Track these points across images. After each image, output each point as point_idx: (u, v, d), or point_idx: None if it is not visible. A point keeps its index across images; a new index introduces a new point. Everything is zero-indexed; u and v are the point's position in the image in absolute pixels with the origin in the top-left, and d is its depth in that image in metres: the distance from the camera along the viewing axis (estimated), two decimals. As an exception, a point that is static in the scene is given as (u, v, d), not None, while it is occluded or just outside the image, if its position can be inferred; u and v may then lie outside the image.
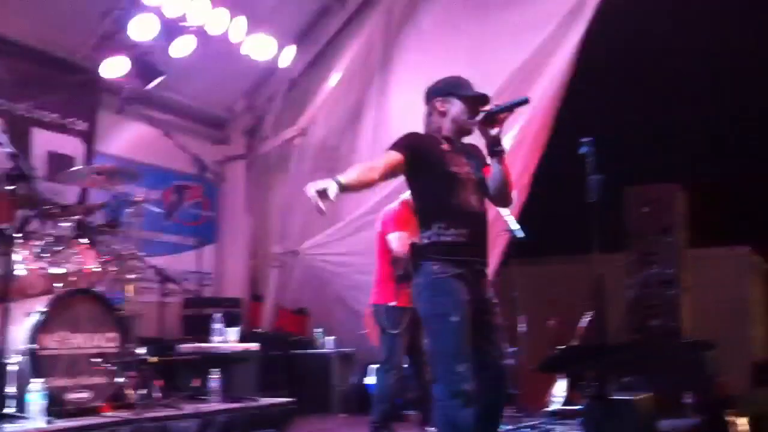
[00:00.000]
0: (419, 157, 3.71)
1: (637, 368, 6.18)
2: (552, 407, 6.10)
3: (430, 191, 3.73)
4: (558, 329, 6.96)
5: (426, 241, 3.63)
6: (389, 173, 3.68)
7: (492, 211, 6.67)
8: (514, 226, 6.00)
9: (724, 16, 7.57)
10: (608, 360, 5.63)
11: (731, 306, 8.76)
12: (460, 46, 8.16)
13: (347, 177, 3.52)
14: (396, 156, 3.69)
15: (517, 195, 6.32)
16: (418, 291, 3.63)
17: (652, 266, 6.81)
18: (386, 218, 5.67)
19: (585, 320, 6.39)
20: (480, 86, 7.83)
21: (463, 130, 3.85)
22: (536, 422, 5.87)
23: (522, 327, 6.44)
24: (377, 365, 5.69)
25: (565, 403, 6.07)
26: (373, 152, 8.59)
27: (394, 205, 5.73)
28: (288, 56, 8.50)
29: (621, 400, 5.22)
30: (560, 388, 6.12)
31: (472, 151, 3.88)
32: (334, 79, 8.75)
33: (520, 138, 7.58)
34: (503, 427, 5.38)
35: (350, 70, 8.78)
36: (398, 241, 5.43)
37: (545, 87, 7.60)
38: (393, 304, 5.44)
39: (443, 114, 3.90)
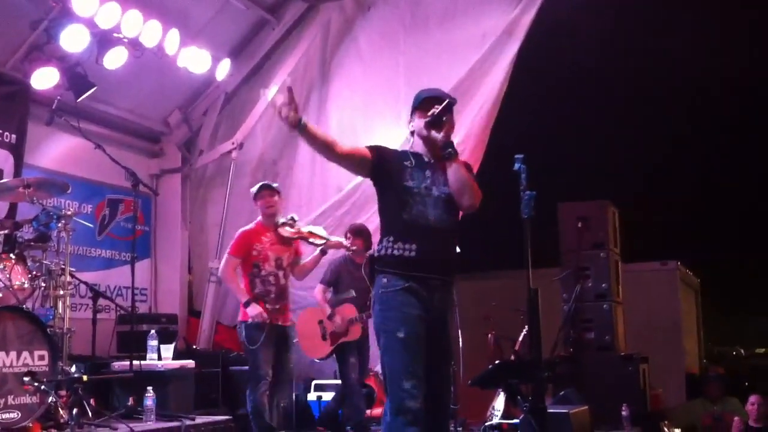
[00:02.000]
0: (382, 166, 3.72)
1: (573, 381, 6.28)
2: (492, 421, 6.14)
3: (385, 204, 3.75)
4: (496, 344, 7.02)
5: (376, 254, 3.66)
6: (349, 158, 3.73)
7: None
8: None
9: (655, 35, 7.84)
10: (542, 373, 5.69)
11: (664, 320, 9.01)
12: (398, 63, 8.26)
13: (315, 128, 3.58)
14: (364, 150, 3.72)
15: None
16: (372, 304, 3.63)
17: (586, 280, 6.93)
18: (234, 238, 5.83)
19: (523, 334, 6.47)
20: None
21: (429, 143, 3.78)
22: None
23: (460, 342, 6.47)
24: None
25: (504, 417, 6.12)
26: (313, 166, 8.60)
27: (250, 225, 5.83)
28: (223, 70, 8.42)
29: (558, 413, 5.29)
30: (500, 402, 6.17)
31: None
32: (271, 93, 8.68)
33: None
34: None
35: (288, 84, 8.71)
36: (222, 265, 5.79)
37: (481, 104, 7.74)
38: (250, 321, 5.50)
39: (412, 133, 3.90)
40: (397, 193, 3.66)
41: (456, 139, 7.54)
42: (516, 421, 5.81)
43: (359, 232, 6.55)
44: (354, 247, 6.18)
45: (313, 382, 7.50)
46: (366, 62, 8.58)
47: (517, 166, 5.46)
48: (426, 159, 3.78)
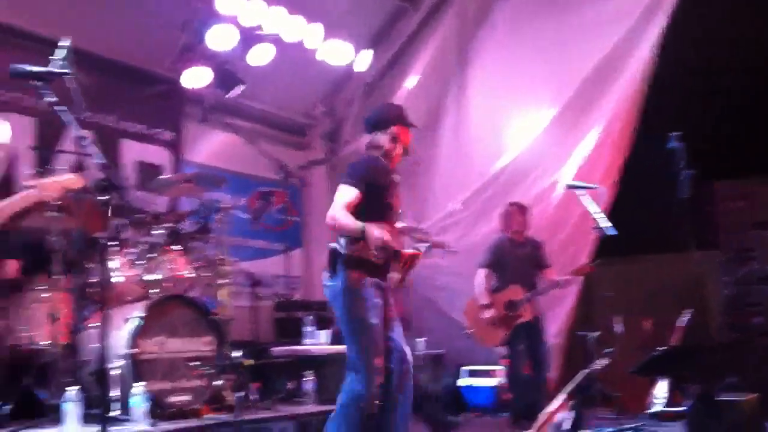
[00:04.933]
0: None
1: (741, 368, 5.94)
2: (653, 409, 5.90)
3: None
4: (653, 329, 6.75)
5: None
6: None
7: (580, 208, 6.61)
8: (604, 223, 5.84)
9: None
10: (711, 360, 5.42)
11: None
12: (537, 45, 8.05)
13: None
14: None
15: (606, 191, 6.19)
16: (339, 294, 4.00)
17: (750, 262, 6.54)
18: None
19: (682, 320, 6.18)
20: (560, 84, 7.78)
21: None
22: (637, 424, 5.69)
23: (617, 327, 6.28)
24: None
25: (667, 405, 5.87)
26: (454, 153, 8.55)
27: None
28: (364, 60, 8.52)
29: (727, 401, 5.00)
30: (661, 390, 5.92)
31: None
32: (411, 81, 8.72)
33: (604, 136, 7.45)
34: (605, 430, 5.31)
35: (427, 72, 8.74)
36: None
37: (627, 82, 7.44)
38: None
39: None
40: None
41: (602, 120, 7.40)
42: (680, 409, 5.56)
43: (523, 209, 6.44)
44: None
45: (464, 368, 7.47)
46: (504, 46, 8.42)
47: (671, 144, 5.26)
48: None
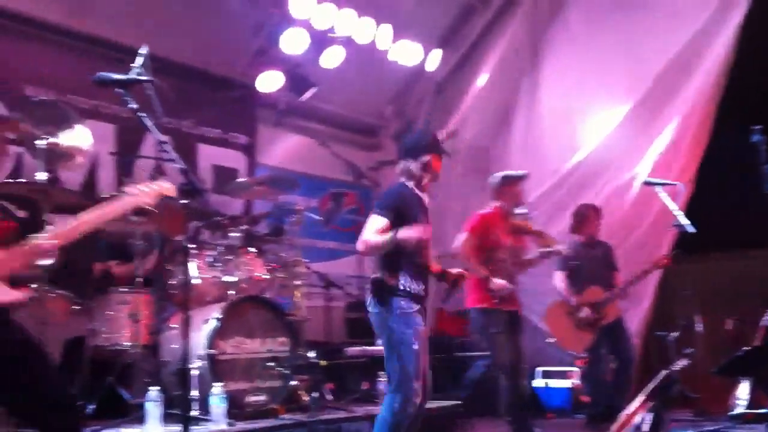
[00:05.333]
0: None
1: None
2: (735, 411, 5.73)
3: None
4: (735, 329, 6.55)
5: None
6: None
7: (657, 205, 6.46)
8: (683, 220, 5.70)
9: None
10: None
11: None
12: (611, 39, 7.91)
13: None
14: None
15: (684, 187, 6.05)
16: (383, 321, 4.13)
17: None
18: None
19: (766, 319, 5.98)
20: (634, 79, 7.60)
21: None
22: (719, 426, 5.54)
23: (698, 327, 6.12)
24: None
25: (749, 407, 5.69)
26: (526, 151, 8.46)
27: (487, 209, 5.63)
28: (434, 60, 8.52)
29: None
30: (744, 391, 5.74)
31: None
32: (481, 80, 8.67)
33: (681, 130, 7.27)
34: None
35: (498, 70, 8.68)
36: (458, 241, 5.45)
37: (704, 76, 7.23)
38: (485, 306, 5.37)
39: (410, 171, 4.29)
40: None
41: (679, 115, 7.22)
42: (763, 411, 5.40)
43: (598, 212, 6.37)
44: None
45: (539, 369, 7.40)
46: (578, 41, 8.30)
47: (753, 138, 5.09)
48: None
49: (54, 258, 3.30)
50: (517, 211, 5.48)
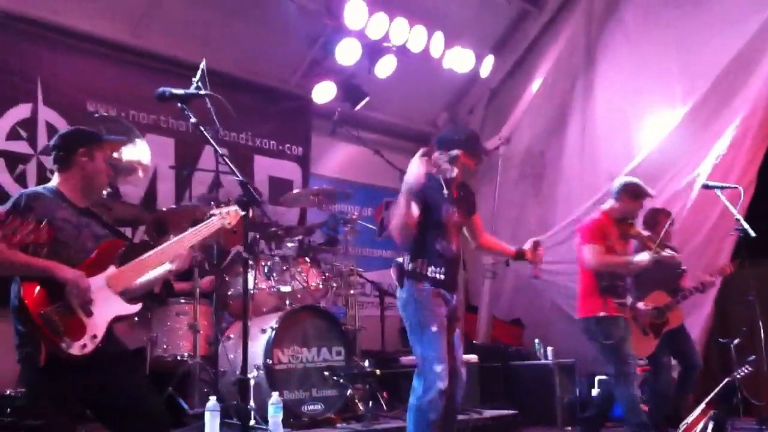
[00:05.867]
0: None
1: None
2: (802, 418, 5.58)
3: None
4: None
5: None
6: None
7: (717, 209, 6.32)
8: (744, 224, 5.58)
9: None
10: None
11: None
12: (668, 39, 7.77)
13: None
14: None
15: (744, 191, 5.91)
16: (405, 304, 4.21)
17: None
18: (581, 228, 5.51)
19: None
20: (693, 79, 7.46)
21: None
22: (783, 435, 5.40)
23: (761, 333, 5.96)
24: (606, 377, 5.55)
25: (817, 414, 5.53)
26: (582, 155, 8.37)
27: (595, 214, 5.57)
28: (487, 66, 8.51)
29: None
30: (810, 398, 5.59)
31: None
32: (535, 85, 8.61)
33: (743, 131, 7.09)
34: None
35: (552, 74, 8.61)
36: (589, 254, 5.31)
37: (765, 76, 7.05)
38: (602, 314, 5.28)
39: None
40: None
41: (740, 114, 7.05)
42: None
43: (668, 216, 6.29)
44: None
45: (597, 378, 7.29)
46: (633, 42, 8.18)
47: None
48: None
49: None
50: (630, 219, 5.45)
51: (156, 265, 3.53)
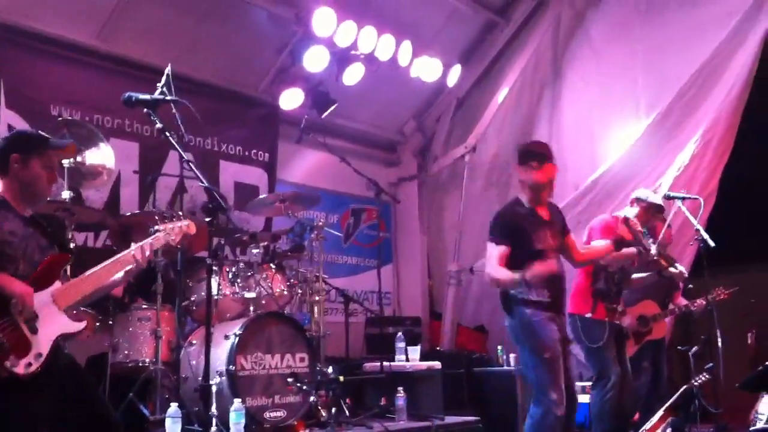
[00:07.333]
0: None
1: None
2: (757, 425, 5.67)
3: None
4: (757, 343, 6.49)
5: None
6: None
7: (678, 219, 6.41)
8: (704, 234, 5.68)
9: None
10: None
11: None
12: (634, 51, 7.91)
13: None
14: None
15: (704, 201, 6.01)
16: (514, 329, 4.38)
17: None
18: (594, 227, 5.57)
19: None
20: (657, 92, 7.57)
21: (539, 193, 4.49)
22: (740, 442, 5.48)
23: (719, 341, 6.06)
24: (590, 383, 5.62)
25: (771, 421, 5.62)
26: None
27: (606, 216, 5.63)
28: (454, 76, 8.57)
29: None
30: (765, 405, 5.68)
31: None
32: (502, 94, 8.70)
33: (705, 141, 7.23)
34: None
35: (519, 84, 8.72)
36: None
37: (729, 87, 7.19)
38: (588, 315, 5.34)
39: (523, 182, 4.49)
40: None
41: (703, 125, 7.18)
42: (787, 426, 5.34)
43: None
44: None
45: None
46: (599, 54, 8.31)
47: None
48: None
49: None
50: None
51: (104, 281, 3.45)
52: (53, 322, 3.21)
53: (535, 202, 4.52)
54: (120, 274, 3.52)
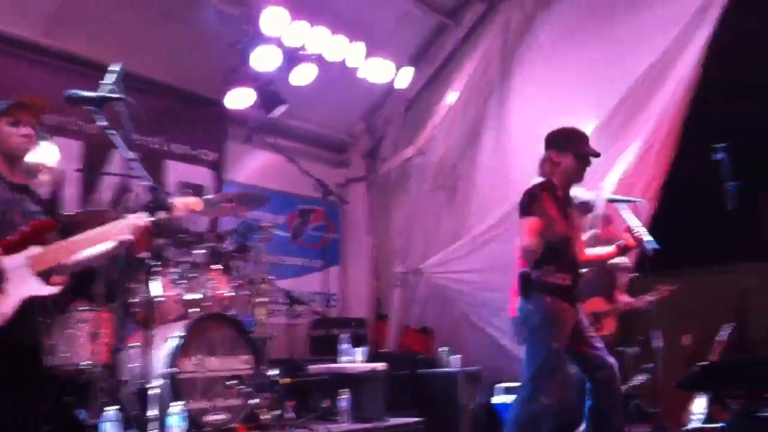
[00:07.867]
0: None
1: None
2: (692, 425, 5.80)
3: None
4: (694, 344, 6.65)
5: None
6: None
7: (621, 222, 6.53)
8: (646, 237, 5.77)
9: None
10: (752, 375, 5.32)
11: None
12: (581, 56, 7.99)
13: None
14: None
15: (647, 204, 6.12)
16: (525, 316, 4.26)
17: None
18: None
19: (724, 334, 6.06)
20: (603, 95, 7.69)
21: (571, 182, 4.54)
22: (676, 440, 5.61)
23: (657, 342, 6.19)
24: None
25: (706, 421, 5.76)
26: (494, 168, 8.53)
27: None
28: (405, 77, 8.59)
29: (768, 417, 4.92)
30: (700, 405, 5.82)
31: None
32: (451, 97, 8.74)
33: (648, 145, 7.34)
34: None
35: (468, 87, 8.75)
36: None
37: (672, 91, 7.32)
38: None
39: (556, 165, 4.50)
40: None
41: (647, 128, 7.30)
42: (719, 425, 5.47)
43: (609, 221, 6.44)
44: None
45: (498, 385, 7.38)
46: (548, 58, 8.38)
47: (717, 156, 5.19)
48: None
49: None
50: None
51: (83, 249, 3.41)
52: (22, 284, 3.22)
53: (565, 189, 4.53)
54: (107, 246, 3.47)
